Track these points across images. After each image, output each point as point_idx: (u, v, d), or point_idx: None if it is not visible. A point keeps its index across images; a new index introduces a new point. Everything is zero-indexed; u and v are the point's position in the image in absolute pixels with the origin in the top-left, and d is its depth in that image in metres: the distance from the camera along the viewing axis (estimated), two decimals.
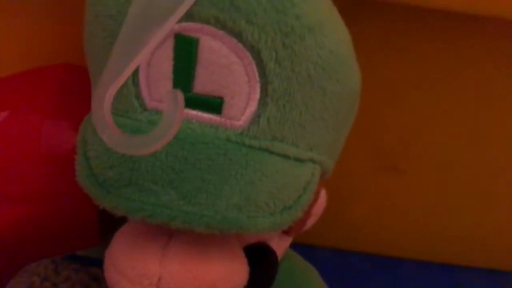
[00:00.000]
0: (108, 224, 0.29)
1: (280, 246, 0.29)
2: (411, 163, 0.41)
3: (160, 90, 0.21)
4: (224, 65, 0.20)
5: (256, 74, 0.20)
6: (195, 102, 0.21)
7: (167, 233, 0.22)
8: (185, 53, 0.20)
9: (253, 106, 0.21)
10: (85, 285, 0.45)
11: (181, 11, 0.19)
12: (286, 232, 0.29)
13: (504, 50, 0.35)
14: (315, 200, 0.27)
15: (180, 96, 0.18)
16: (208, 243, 0.23)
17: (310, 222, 0.30)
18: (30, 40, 0.37)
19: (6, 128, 0.27)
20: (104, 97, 0.18)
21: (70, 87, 0.28)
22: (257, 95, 0.21)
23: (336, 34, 0.22)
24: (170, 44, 0.20)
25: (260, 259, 0.26)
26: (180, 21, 0.19)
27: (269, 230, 0.22)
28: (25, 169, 0.26)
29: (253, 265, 0.25)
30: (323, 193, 0.29)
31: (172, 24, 0.19)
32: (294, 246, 0.32)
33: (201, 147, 0.20)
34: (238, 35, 0.20)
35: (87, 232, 0.29)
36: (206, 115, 0.21)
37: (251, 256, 0.25)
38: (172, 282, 0.21)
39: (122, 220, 0.25)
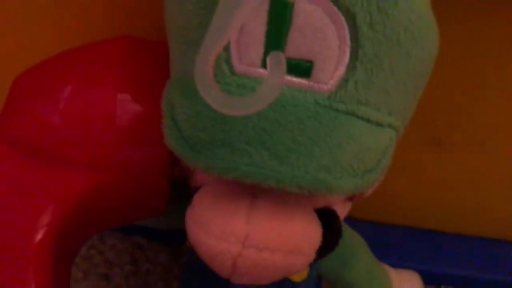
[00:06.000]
0: (173, 193, 0.30)
1: (343, 211, 0.29)
2: (455, 136, 0.41)
3: (250, 55, 0.21)
4: (317, 28, 0.20)
5: (348, 38, 0.20)
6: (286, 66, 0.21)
7: (251, 194, 0.23)
8: (280, 16, 0.20)
9: (341, 70, 0.21)
10: (129, 253, 0.46)
11: None
12: (349, 199, 0.29)
13: None
14: None
15: (282, 58, 0.19)
16: (289, 204, 0.23)
17: (371, 189, 0.31)
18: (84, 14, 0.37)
19: (75, 100, 0.27)
20: (208, 59, 0.19)
21: (133, 59, 0.28)
22: (346, 59, 0.21)
23: None
24: (265, 8, 0.20)
25: (327, 223, 0.26)
26: None
27: (352, 191, 0.22)
28: (98, 138, 0.27)
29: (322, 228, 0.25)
30: None
31: None
32: None
33: (292, 110, 0.21)
34: None
35: (156, 201, 0.29)
36: (295, 79, 0.21)
37: (320, 220, 0.25)
38: (259, 239, 0.22)
39: (186, 189, 0.25)
